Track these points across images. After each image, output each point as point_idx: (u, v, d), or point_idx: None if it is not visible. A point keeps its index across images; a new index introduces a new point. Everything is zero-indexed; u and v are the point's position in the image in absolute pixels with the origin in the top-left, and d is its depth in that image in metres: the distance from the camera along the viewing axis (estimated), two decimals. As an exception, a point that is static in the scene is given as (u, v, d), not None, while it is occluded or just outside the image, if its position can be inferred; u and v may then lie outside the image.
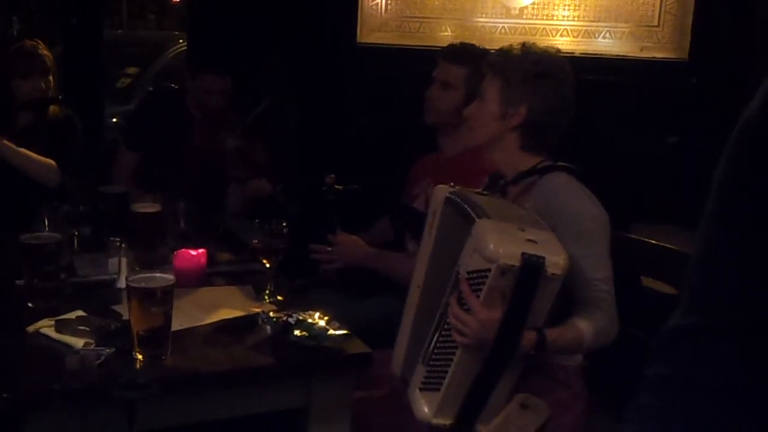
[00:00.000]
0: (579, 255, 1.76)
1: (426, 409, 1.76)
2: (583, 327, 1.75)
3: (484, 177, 2.17)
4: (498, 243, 1.60)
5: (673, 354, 0.80)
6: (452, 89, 2.51)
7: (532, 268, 1.58)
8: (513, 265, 1.58)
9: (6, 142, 2.76)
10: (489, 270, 1.61)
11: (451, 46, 2.59)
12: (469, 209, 1.76)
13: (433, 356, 1.76)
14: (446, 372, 1.72)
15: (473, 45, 2.60)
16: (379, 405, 2.04)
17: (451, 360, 1.70)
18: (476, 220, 1.69)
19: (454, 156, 2.56)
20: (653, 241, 2.39)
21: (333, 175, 2.51)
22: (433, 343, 1.77)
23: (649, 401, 0.84)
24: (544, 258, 1.59)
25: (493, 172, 2.29)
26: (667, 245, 2.37)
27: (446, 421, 1.73)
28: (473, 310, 1.64)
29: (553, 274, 1.60)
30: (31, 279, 1.97)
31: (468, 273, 1.67)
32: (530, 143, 1.96)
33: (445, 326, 1.73)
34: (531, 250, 1.59)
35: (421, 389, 1.78)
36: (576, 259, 1.74)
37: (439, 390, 1.73)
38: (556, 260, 1.60)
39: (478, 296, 1.64)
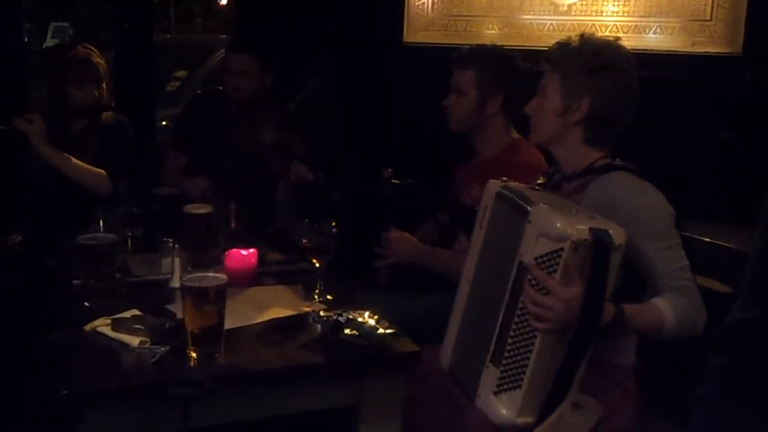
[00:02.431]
0: (657, 249, 1.77)
1: (505, 411, 1.72)
2: (662, 307, 1.74)
3: (522, 170, 2.17)
4: (564, 222, 1.65)
5: (734, 346, 0.80)
6: (465, 94, 2.51)
7: (602, 239, 1.64)
8: (585, 239, 1.63)
9: (58, 152, 2.81)
10: (561, 249, 1.64)
11: (459, 52, 2.58)
12: (520, 201, 1.78)
13: (507, 354, 1.73)
14: (525, 366, 1.70)
15: (483, 45, 2.60)
16: (430, 402, 2.04)
17: (530, 352, 1.70)
18: (531, 208, 1.73)
19: (491, 156, 2.56)
20: (707, 239, 2.35)
21: (390, 169, 2.51)
22: (502, 341, 1.75)
23: (710, 391, 0.83)
24: (608, 229, 1.65)
25: (531, 164, 2.28)
26: (722, 243, 2.33)
27: (530, 419, 1.71)
28: (553, 290, 1.65)
29: (620, 245, 1.65)
30: (88, 279, 2.02)
31: (536, 259, 1.67)
32: (594, 136, 1.93)
33: (516, 319, 1.72)
34: (594, 225, 1.66)
35: (496, 392, 1.74)
36: (655, 253, 1.77)
37: (519, 387, 1.71)
38: (618, 232, 1.66)
39: (552, 278, 1.65)
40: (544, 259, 1.67)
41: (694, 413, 0.84)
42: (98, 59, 2.96)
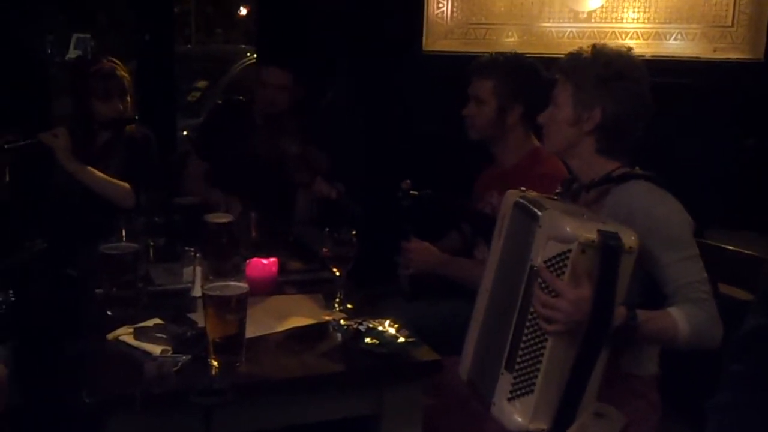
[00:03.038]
0: (674, 260, 1.76)
1: (519, 418, 1.71)
2: (676, 316, 1.72)
3: (542, 180, 2.18)
4: (572, 224, 1.66)
5: (752, 353, 0.79)
6: (484, 103, 2.51)
7: (611, 241, 1.64)
8: (593, 240, 1.63)
9: (84, 166, 2.84)
10: (569, 251, 1.65)
11: (478, 61, 2.57)
12: (533, 207, 1.79)
13: (519, 359, 1.73)
14: (537, 370, 1.69)
15: (502, 54, 2.57)
16: (449, 412, 2.03)
17: (541, 356, 1.69)
18: (541, 212, 1.74)
19: (512, 165, 2.55)
20: (730, 247, 2.33)
21: (408, 181, 2.51)
22: (515, 346, 1.74)
23: (728, 399, 0.82)
24: (617, 232, 1.65)
25: (551, 174, 2.28)
26: (745, 251, 2.31)
27: (544, 426, 1.70)
28: (561, 292, 1.64)
29: (630, 248, 1.65)
30: (111, 288, 2.03)
31: (545, 261, 1.68)
32: (607, 147, 1.93)
33: (527, 324, 1.72)
34: (603, 228, 1.66)
35: (510, 398, 1.73)
36: (672, 264, 1.76)
37: (531, 392, 1.70)
38: (628, 236, 1.66)
39: (561, 280, 1.65)
40: (553, 261, 1.67)
41: (710, 421, 0.83)
42: (123, 72, 2.99)
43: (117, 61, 3.01)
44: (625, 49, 1.96)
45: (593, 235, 1.63)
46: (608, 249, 1.64)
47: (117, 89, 2.94)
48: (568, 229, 1.66)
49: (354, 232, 2.13)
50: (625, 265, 1.66)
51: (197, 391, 1.53)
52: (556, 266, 1.67)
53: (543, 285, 1.68)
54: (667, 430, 1.92)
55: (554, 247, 1.67)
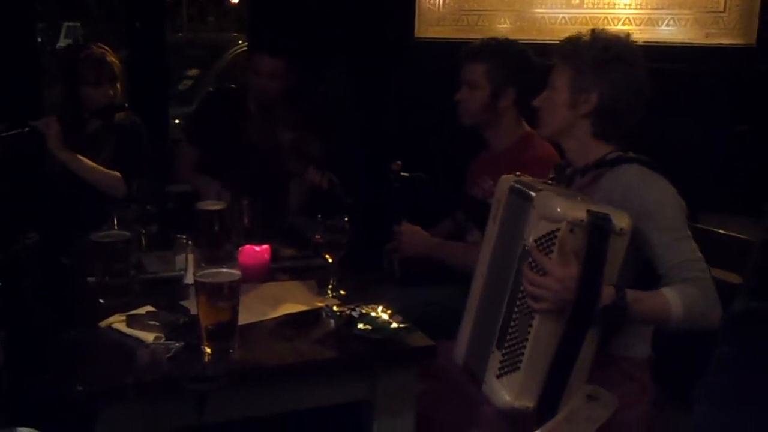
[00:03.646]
0: (669, 241, 1.77)
1: (506, 396, 1.73)
2: (669, 296, 1.72)
3: (535, 164, 2.18)
4: (563, 205, 1.68)
5: (741, 335, 0.80)
6: (477, 88, 2.50)
7: (599, 221, 1.66)
8: (581, 220, 1.65)
9: (75, 155, 2.83)
10: (557, 230, 1.67)
11: (470, 46, 2.56)
12: (527, 190, 1.81)
13: (509, 337, 1.74)
14: (524, 348, 1.71)
15: (494, 39, 2.57)
16: (443, 398, 2.04)
17: (528, 333, 1.70)
18: (534, 193, 1.76)
19: (504, 150, 2.55)
20: (722, 231, 2.34)
21: (399, 162, 2.51)
22: (505, 325, 1.76)
23: (718, 382, 0.83)
24: (609, 214, 1.67)
25: (544, 158, 2.28)
26: (736, 235, 2.31)
27: (529, 404, 1.71)
28: (549, 270, 1.66)
29: (621, 229, 1.67)
30: (103, 276, 2.03)
31: (536, 241, 1.70)
32: (603, 130, 1.94)
33: (518, 302, 1.73)
34: (595, 209, 1.68)
35: (498, 376, 1.75)
36: (664, 245, 1.77)
37: (518, 369, 1.71)
38: (620, 218, 1.68)
39: (549, 258, 1.67)
40: (542, 240, 1.69)
41: (699, 402, 0.84)
42: (112, 58, 2.97)
43: (106, 47, 3.00)
44: (623, 35, 1.98)
45: (582, 215, 1.65)
46: (596, 229, 1.65)
47: (107, 75, 2.93)
48: (558, 209, 1.68)
49: (346, 219, 2.13)
50: (615, 247, 1.67)
51: (190, 378, 1.54)
52: (545, 245, 1.69)
53: (532, 264, 1.70)
54: (659, 412, 1.93)
55: (544, 227, 1.69)
